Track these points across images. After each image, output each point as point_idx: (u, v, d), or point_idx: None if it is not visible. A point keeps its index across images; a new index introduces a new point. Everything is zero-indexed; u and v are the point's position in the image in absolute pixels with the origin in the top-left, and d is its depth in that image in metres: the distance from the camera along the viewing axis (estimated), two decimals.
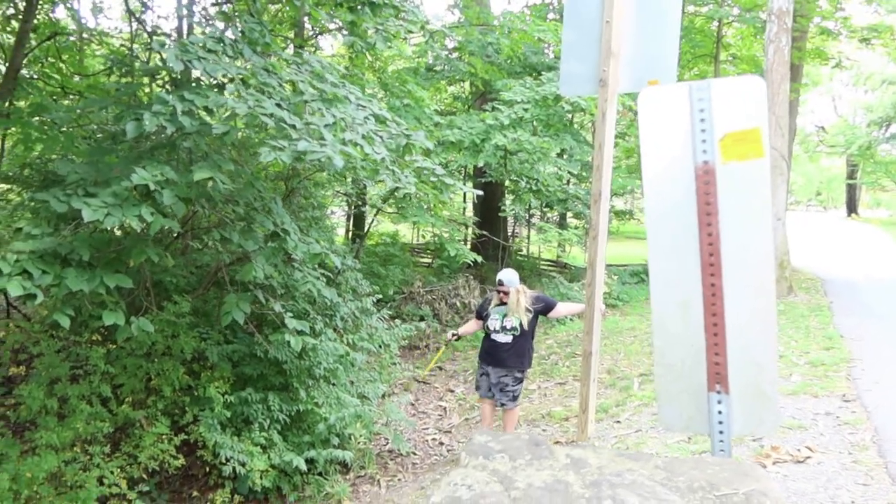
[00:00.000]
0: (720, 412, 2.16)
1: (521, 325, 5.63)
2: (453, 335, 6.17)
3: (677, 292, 2.23)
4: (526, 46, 12.63)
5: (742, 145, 2.07)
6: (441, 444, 6.82)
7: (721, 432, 2.16)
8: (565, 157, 13.80)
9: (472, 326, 6.12)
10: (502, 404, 5.70)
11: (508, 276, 5.78)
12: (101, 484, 4.22)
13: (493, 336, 5.70)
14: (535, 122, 11.62)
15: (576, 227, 15.31)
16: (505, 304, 5.70)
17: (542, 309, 5.82)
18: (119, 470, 4.38)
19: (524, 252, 16.07)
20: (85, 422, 4.31)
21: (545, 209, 15.63)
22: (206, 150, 4.76)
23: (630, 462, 1.98)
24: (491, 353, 5.72)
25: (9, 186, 9.36)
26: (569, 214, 16.34)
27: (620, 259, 16.74)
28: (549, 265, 16.37)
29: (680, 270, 2.21)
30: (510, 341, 5.65)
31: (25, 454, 4.07)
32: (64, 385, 4.41)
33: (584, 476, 1.88)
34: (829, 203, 56.68)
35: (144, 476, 4.54)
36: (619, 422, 6.62)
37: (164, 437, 4.65)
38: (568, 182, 14.32)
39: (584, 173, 13.70)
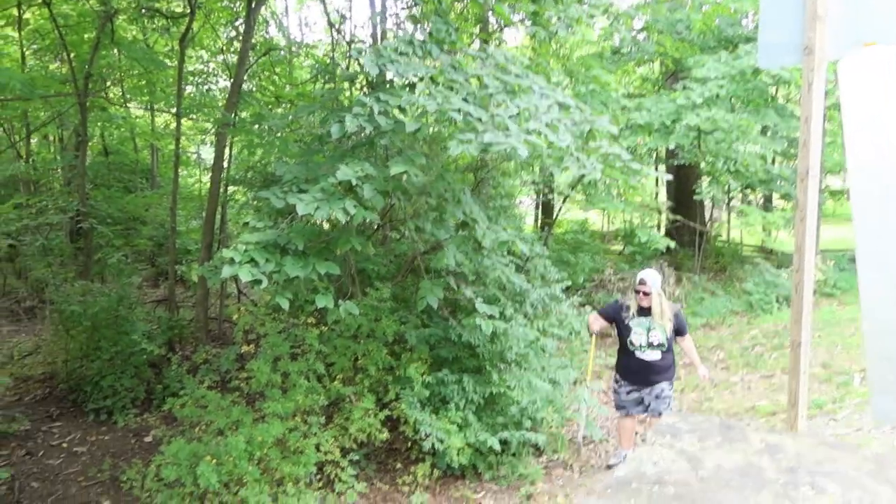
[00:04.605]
0: None
1: (667, 338, 5.22)
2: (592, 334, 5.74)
3: (890, 277, 2.05)
4: (720, 19, 11.86)
5: None
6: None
7: None
8: (768, 134, 12.78)
9: (601, 324, 5.60)
10: (659, 413, 5.33)
11: (651, 276, 5.32)
12: (318, 451, 4.70)
13: (640, 354, 5.29)
14: (731, 99, 10.90)
15: (783, 210, 14.12)
16: (644, 309, 5.27)
17: (678, 327, 5.37)
18: (333, 439, 4.85)
19: (724, 237, 15.14)
20: (304, 395, 4.82)
21: (746, 191, 14.60)
22: (400, 147, 5.09)
23: (833, 451, 1.87)
24: (641, 373, 5.35)
25: (236, 188, 10.64)
26: (775, 196, 15.11)
27: (837, 243, 15.18)
28: (752, 251, 15.28)
29: (893, 254, 2.04)
30: (659, 358, 5.27)
31: (257, 421, 4.65)
32: (285, 362, 4.96)
33: (779, 462, 1.81)
34: None
35: (354, 446, 4.98)
36: (835, 419, 6.10)
37: (370, 411, 5.06)
38: (773, 161, 13.25)
39: (791, 150, 12.59)
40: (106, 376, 7.36)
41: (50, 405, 7.65)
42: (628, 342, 5.35)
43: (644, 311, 5.30)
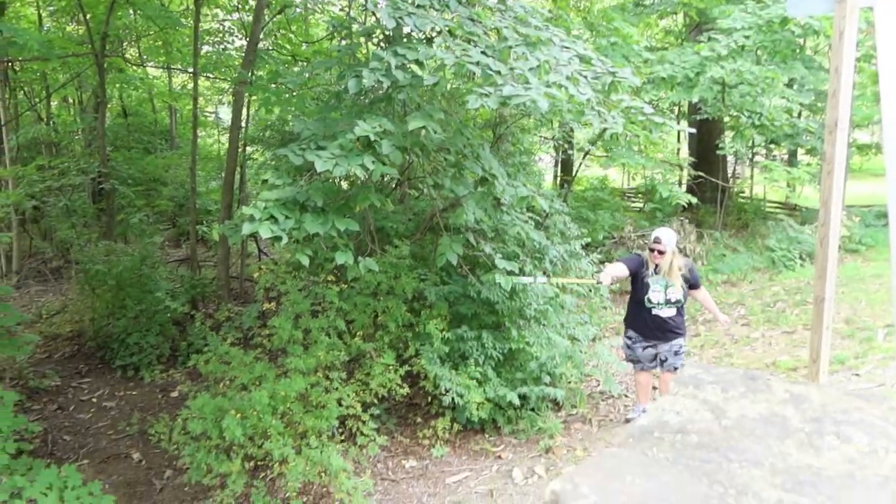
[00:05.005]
0: None
1: (683, 295, 5.28)
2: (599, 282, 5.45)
3: None
4: None
5: None
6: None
7: None
8: (795, 87, 12.46)
9: (620, 275, 5.34)
10: (675, 368, 5.34)
11: (667, 234, 5.28)
12: (340, 405, 4.76)
13: (656, 311, 5.31)
14: (758, 51, 10.61)
15: (808, 165, 13.87)
16: (659, 267, 5.26)
17: (690, 281, 5.37)
18: (354, 394, 4.91)
19: (746, 193, 14.92)
20: (325, 351, 4.86)
21: (770, 146, 14.31)
22: (418, 102, 5.03)
23: (860, 402, 1.86)
24: (658, 328, 5.38)
25: (254, 148, 10.64)
26: (800, 151, 14.81)
27: (864, 199, 14.94)
28: (776, 207, 15.06)
29: None
30: (674, 314, 5.33)
31: (279, 377, 4.71)
32: (306, 319, 5.01)
33: (804, 411, 1.80)
34: None
35: (375, 401, 5.04)
36: (858, 374, 6.08)
37: (390, 367, 5.10)
38: (799, 115, 12.94)
39: (818, 104, 12.29)
40: (132, 333, 7.51)
41: (78, 362, 7.84)
42: (646, 299, 5.35)
43: (660, 269, 5.31)
